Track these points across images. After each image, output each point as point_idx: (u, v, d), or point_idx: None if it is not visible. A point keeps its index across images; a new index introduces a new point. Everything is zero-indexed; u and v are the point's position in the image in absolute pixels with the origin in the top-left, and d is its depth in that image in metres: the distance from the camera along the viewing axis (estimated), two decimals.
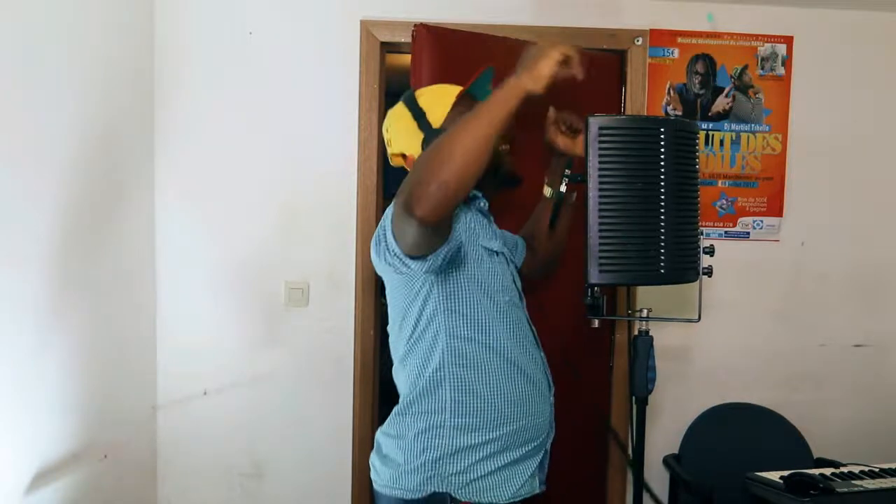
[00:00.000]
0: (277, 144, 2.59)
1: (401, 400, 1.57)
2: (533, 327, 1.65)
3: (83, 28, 2.13)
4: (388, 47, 2.61)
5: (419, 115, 1.57)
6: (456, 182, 1.23)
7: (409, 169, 1.61)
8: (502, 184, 1.65)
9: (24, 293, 1.85)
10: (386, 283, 1.58)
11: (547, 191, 1.83)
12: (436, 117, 1.56)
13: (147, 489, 2.60)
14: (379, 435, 1.60)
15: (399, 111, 1.62)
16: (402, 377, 1.58)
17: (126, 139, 2.41)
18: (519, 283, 1.68)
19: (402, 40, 2.50)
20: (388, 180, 2.67)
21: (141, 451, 2.55)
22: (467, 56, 2.25)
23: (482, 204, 1.67)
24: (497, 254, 1.58)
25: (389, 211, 1.43)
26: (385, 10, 2.56)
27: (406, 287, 1.51)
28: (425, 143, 1.55)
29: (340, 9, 2.57)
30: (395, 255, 1.42)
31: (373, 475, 1.57)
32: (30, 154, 1.86)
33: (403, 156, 1.63)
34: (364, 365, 2.62)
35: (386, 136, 1.66)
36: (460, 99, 1.58)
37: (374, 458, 1.58)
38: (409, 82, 2.17)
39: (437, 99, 1.59)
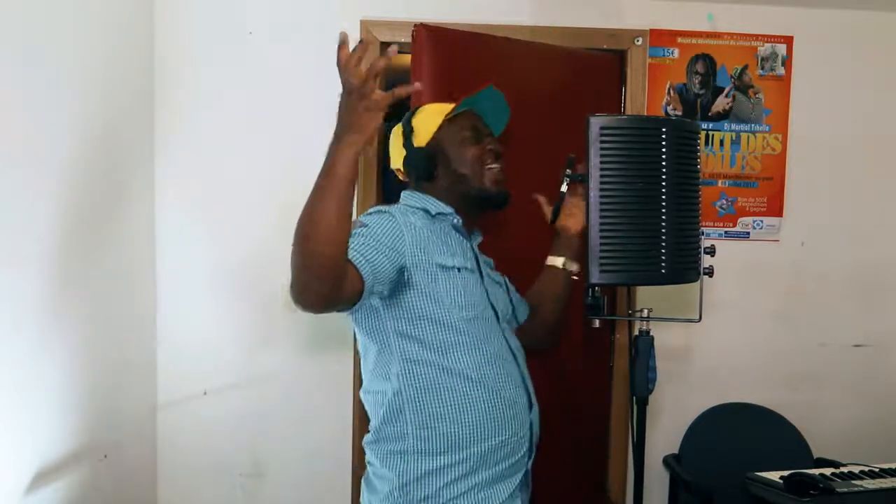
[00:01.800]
0: (277, 144, 2.59)
1: (370, 427, 1.54)
2: (513, 341, 1.60)
3: (83, 28, 2.12)
4: (388, 47, 2.60)
5: (407, 133, 1.60)
6: (322, 270, 1.26)
7: (404, 178, 1.67)
8: (483, 205, 1.61)
9: (24, 293, 1.84)
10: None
11: (557, 261, 1.74)
12: (421, 137, 1.58)
13: (147, 489, 2.59)
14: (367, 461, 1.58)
15: (396, 128, 1.65)
16: (368, 405, 1.56)
17: (126, 139, 2.41)
18: (500, 301, 1.63)
19: (402, 40, 2.50)
20: (388, 180, 2.67)
21: (141, 451, 2.54)
22: (467, 56, 2.25)
23: (455, 220, 1.59)
24: (457, 269, 1.51)
25: None
26: (385, 10, 2.56)
27: (361, 319, 1.51)
28: (406, 161, 1.61)
29: (340, 9, 2.57)
30: None
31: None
32: (30, 154, 1.86)
33: (398, 168, 1.67)
34: None
35: (389, 151, 1.70)
36: (450, 118, 1.57)
37: (363, 482, 1.57)
38: (410, 82, 2.16)
39: (427, 117, 1.60)
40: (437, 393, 1.45)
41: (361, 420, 2.63)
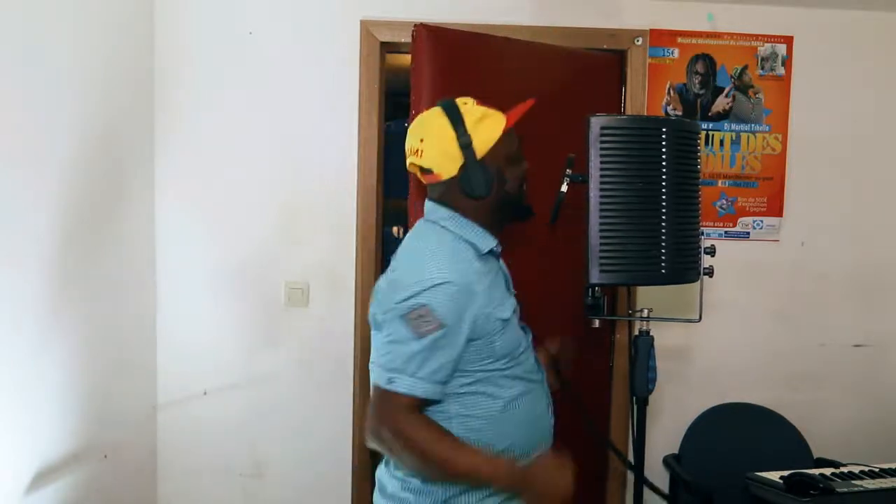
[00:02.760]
0: (277, 144, 2.59)
1: None
2: (537, 359, 1.60)
3: (83, 28, 2.12)
4: (388, 47, 2.61)
5: (465, 144, 1.44)
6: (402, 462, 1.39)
7: (425, 182, 1.53)
8: (515, 218, 1.58)
9: (24, 293, 1.84)
10: (375, 333, 1.50)
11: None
12: (482, 146, 1.46)
13: (147, 489, 2.59)
14: (382, 474, 1.54)
15: (440, 126, 1.47)
16: None
17: (126, 139, 2.41)
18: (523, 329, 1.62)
19: (402, 40, 2.50)
20: (388, 180, 2.67)
21: (141, 451, 2.55)
22: (467, 56, 2.25)
23: (497, 250, 1.54)
24: (508, 320, 1.48)
25: (391, 336, 1.39)
26: (385, 10, 2.56)
27: None
28: (464, 171, 1.45)
29: (340, 9, 2.57)
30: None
31: None
32: (30, 154, 1.86)
33: (429, 170, 1.49)
34: (364, 365, 2.62)
35: (416, 144, 1.49)
36: (505, 132, 1.49)
37: (376, 496, 1.54)
38: (410, 82, 2.17)
39: (485, 126, 1.47)
40: (488, 420, 1.45)
41: (361, 420, 2.63)
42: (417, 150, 1.49)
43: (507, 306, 1.48)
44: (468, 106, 1.49)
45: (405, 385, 1.34)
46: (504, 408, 1.45)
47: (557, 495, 1.35)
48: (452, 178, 1.46)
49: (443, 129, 1.46)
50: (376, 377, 1.39)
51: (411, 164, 1.53)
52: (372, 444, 1.39)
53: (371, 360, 1.46)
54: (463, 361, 1.41)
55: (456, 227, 1.48)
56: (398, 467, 1.48)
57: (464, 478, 1.38)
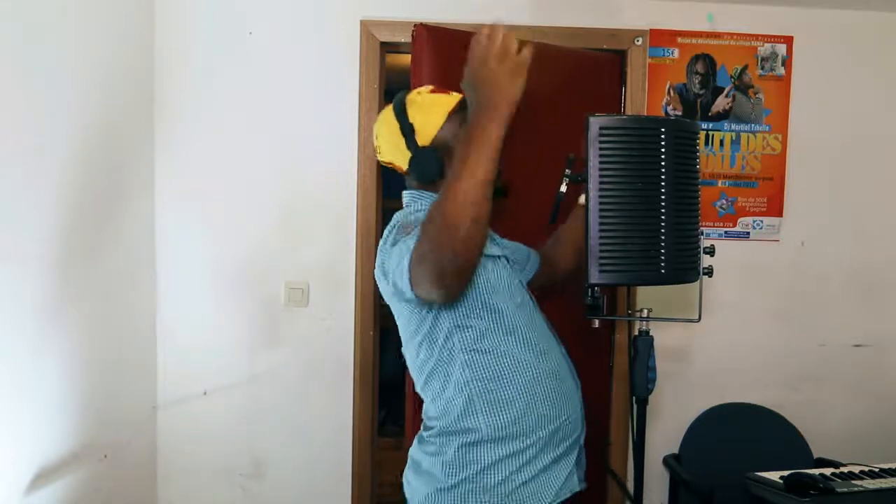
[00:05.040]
0: (277, 144, 2.59)
1: (433, 420, 1.54)
2: (550, 323, 1.62)
3: (84, 28, 2.12)
4: (388, 47, 2.61)
5: (408, 132, 1.50)
6: (474, 251, 1.22)
7: (401, 172, 1.57)
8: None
9: (24, 293, 1.85)
10: (391, 305, 1.54)
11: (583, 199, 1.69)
12: (426, 134, 1.51)
13: (147, 489, 2.59)
14: (415, 452, 1.57)
15: (388, 121, 1.55)
16: (428, 397, 1.55)
17: (126, 139, 2.41)
18: (525, 287, 1.65)
19: (402, 40, 2.50)
20: (388, 180, 2.67)
21: (141, 451, 2.55)
22: (467, 56, 2.24)
23: None
24: (498, 258, 1.54)
25: (397, 251, 1.36)
26: (385, 10, 2.56)
27: (415, 312, 1.48)
28: (413, 161, 1.50)
29: (340, 9, 2.57)
30: (410, 300, 1.40)
31: (406, 491, 1.56)
32: (30, 154, 1.86)
33: (390, 163, 1.58)
34: (364, 365, 2.62)
35: (375, 142, 1.59)
36: (453, 113, 1.52)
37: (409, 474, 1.56)
38: (410, 82, 2.17)
39: (428, 114, 1.52)
40: (505, 381, 1.46)
41: (361, 420, 2.63)
42: (377, 147, 1.58)
43: (494, 249, 1.52)
44: (420, 95, 1.55)
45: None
46: (515, 367, 1.46)
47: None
48: (408, 169, 1.53)
49: (390, 122, 1.54)
50: (401, 276, 1.33)
51: (381, 161, 1.60)
52: (453, 267, 1.21)
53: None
54: (457, 312, 1.43)
55: (425, 202, 1.52)
56: (430, 443, 1.51)
57: (486, 152, 1.23)
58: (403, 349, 1.59)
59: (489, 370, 1.46)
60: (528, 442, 1.46)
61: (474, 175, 1.21)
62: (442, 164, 1.47)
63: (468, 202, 1.19)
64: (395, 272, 1.36)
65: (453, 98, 1.55)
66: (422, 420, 1.60)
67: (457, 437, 1.48)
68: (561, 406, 1.51)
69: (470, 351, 1.46)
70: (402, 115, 1.52)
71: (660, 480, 2.70)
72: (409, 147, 1.51)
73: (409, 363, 1.59)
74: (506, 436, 1.46)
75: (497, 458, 1.45)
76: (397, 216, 1.55)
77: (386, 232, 1.51)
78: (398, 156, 1.54)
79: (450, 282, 1.23)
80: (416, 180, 1.54)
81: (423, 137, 1.51)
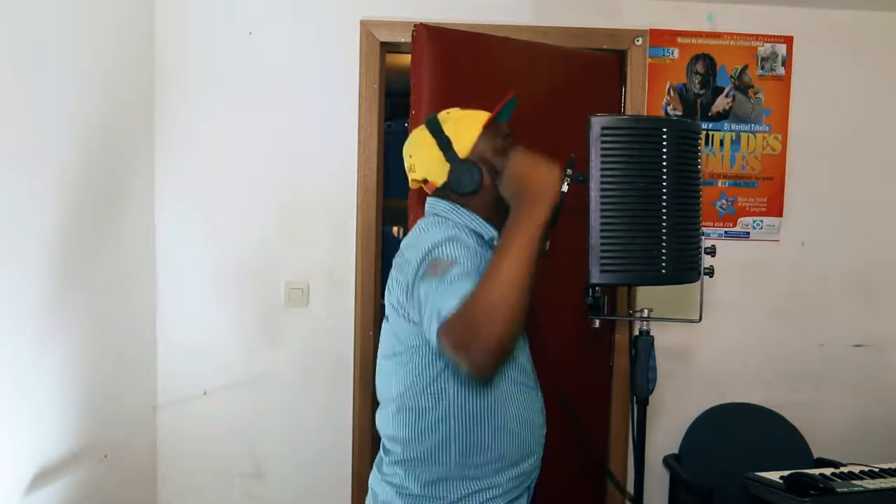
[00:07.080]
0: (277, 144, 2.59)
1: (395, 443, 1.50)
2: (532, 364, 1.59)
3: (83, 28, 2.12)
4: (388, 47, 2.61)
5: (445, 145, 1.50)
6: (510, 340, 1.23)
7: (427, 192, 1.56)
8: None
9: (23, 293, 1.84)
10: (392, 316, 1.51)
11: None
12: (463, 146, 1.50)
13: (147, 489, 2.59)
14: (375, 482, 1.54)
15: (423, 137, 1.55)
16: (398, 419, 1.50)
17: (126, 139, 2.41)
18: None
19: (402, 40, 2.50)
20: (388, 180, 2.68)
21: (141, 451, 2.55)
22: (467, 56, 2.25)
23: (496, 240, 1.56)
24: None
25: (424, 294, 1.34)
26: (385, 10, 2.56)
27: (417, 336, 1.44)
28: (452, 173, 1.49)
29: (340, 9, 2.57)
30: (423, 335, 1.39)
31: None
32: (30, 154, 1.86)
33: (425, 180, 1.56)
34: (364, 365, 2.62)
35: (408, 161, 1.58)
36: (486, 127, 1.52)
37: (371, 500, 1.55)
38: (410, 82, 2.17)
39: (464, 127, 1.52)
40: (485, 423, 1.45)
41: (361, 420, 2.63)
42: (411, 167, 1.58)
43: None
44: (450, 114, 1.57)
45: (449, 309, 1.28)
46: (493, 405, 1.45)
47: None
48: (446, 182, 1.51)
49: (425, 139, 1.54)
50: (429, 332, 1.33)
51: (412, 181, 1.60)
52: (484, 362, 1.23)
53: (378, 352, 1.52)
54: None
55: (458, 216, 1.51)
56: (391, 474, 1.49)
57: (527, 256, 1.26)
58: (381, 356, 1.55)
59: (474, 410, 1.44)
60: (496, 481, 1.46)
61: (509, 276, 1.24)
62: (481, 174, 1.49)
63: (511, 296, 1.22)
64: (425, 318, 1.34)
65: (484, 113, 1.54)
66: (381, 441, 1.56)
67: (424, 471, 1.46)
68: (531, 450, 1.51)
69: (461, 386, 1.44)
70: (437, 131, 1.53)
71: (660, 480, 2.70)
72: (448, 159, 1.50)
73: (381, 371, 1.55)
74: (474, 475, 1.45)
75: (463, 495, 1.44)
76: (421, 223, 1.52)
77: (409, 249, 1.46)
78: (434, 169, 1.52)
79: (485, 367, 1.24)
80: (456, 191, 1.50)
81: (462, 149, 1.50)
